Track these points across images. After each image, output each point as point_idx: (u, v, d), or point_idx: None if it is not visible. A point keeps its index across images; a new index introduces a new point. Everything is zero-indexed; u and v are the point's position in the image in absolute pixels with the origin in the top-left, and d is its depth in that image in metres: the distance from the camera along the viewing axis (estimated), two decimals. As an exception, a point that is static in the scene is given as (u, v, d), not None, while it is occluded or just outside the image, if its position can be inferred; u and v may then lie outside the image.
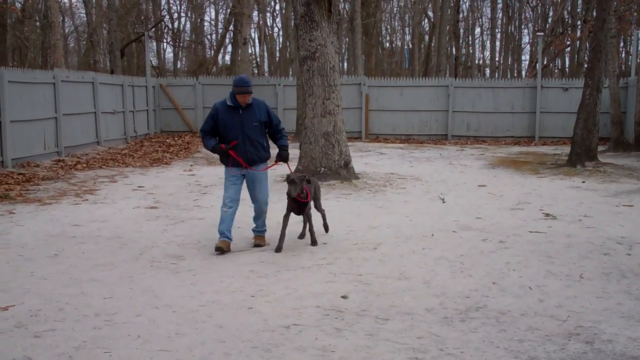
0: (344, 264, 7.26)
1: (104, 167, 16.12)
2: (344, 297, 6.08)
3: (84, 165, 16.08)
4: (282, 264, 7.25)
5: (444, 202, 11.42)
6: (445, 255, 7.69)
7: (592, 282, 6.64)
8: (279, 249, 7.77)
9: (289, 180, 7.87)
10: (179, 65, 50.49)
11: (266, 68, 53.85)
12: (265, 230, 8.22)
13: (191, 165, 16.20)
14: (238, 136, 7.71)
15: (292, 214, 8.08)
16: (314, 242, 8.10)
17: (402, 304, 5.91)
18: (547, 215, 10.18)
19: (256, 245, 8.05)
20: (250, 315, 5.59)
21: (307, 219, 8.20)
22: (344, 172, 13.41)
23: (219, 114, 7.74)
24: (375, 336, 5.10)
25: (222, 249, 7.62)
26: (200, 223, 9.38)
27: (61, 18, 41.01)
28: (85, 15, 40.59)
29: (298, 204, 7.96)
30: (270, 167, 8.21)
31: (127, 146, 20.85)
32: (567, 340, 5.05)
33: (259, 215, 8.10)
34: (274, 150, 8.05)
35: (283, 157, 8.07)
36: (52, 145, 16.78)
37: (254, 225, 8.20)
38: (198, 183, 13.27)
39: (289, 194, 7.85)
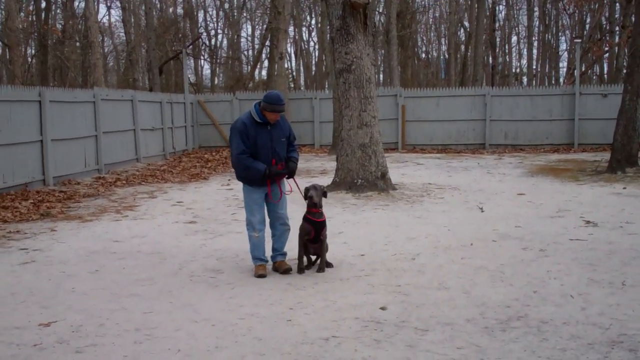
0: (382, 275, 7.22)
1: (143, 183, 16.30)
2: (382, 308, 6.04)
3: (124, 181, 16.28)
4: (319, 276, 7.23)
5: (482, 211, 11.31)
6: (484, 264, 7.61)
7: (635, 289, 6.51)
8: (302, 270, 7.38)
9: (310, 187, 7.45)
10: (216, 82, 50.95)
11: (302, 82, 54.06)
12: (286, 254, 7.63)
13: (229, 180, 16.27)
14: (268, 155, 7.19)
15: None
16: (320, 269, 7.42)
17: (441, 314, 5.85)
18: (588, 222, 10.01)
19: (285, 272, 7.35)
20: (290, 327, 5.57)
21: (321, 245, 7.44)
22: (381, 183, 13.36)
23: (248, 130, 7.11)
24: (415, 347, 5.05)
25: (264, 275, 7.22)
26: (238, 237, 9.40)
27: (100, 38, 41.70)
28: (124, 35, 41.21)
29: (315, 226, 7.33)
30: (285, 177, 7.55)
31: (165, 162, 21.07)
32: (610, 348, 4.94)
33: (282, 234, 7.53)
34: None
35: (290, 169, 7.38)
36: (93, 162, 17.02)
37: (274, 250, 7.59)
38: (236, 197, 13.33)
39: (311, 198, 7.35)
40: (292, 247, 7.74)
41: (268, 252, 7.59)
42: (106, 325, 5.72)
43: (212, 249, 8.78)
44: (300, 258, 7.44)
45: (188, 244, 9.09)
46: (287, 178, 7.51)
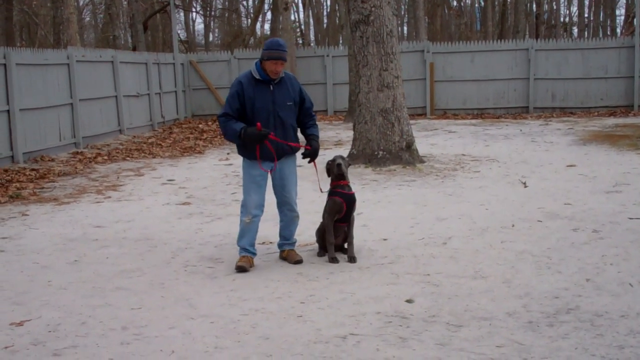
0: (408, 263, 7.26)
1: (128, 158, 16.39)
2: (409, 301, 6.09)
3: (106, 157, 16.37)
4: (335, 265, 7.28)
5: (526, 186, 11.32)
6: (528, 249, 7.63)
7: None
8: (334, 259, 7.39)
9: (336, 157, 7.48)
10: (211, 38, 50.98)
11: (312, 37, 53.93)
12: (296, 242, 7.67)
13: (228, 154, 16.31)
14: (269, 119, 7.03)
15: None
16: (352, 259, 7.42)
17: (478, 307, 5.88)
18: (651, 198, 10.01)
19: (296, 262, 7.34)
20: (301, 324, 5.63)
21: (350, 225, 7.55)
22: (406, 156, 13.37)
23: (245, 91, 7.00)
24: (447, 346, 5.09)
25: (244, 268, 7.12)
26: (239, 220, 9.45)
27: (74, -11, 41.66)
28: (101, -15, 41.21)
29: (348, 200, 7.42)
30: (300, 148, 7.37)
31: (154, 134, 21.16)
32: (676, 345, 4.97)
33: (291, 222, 7.47)
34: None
35: (314, 151, 7.28)
36: (69, 135, 17.11)
37: (281, 237, 7.59)
38: (236, 174, 13.36)
39: (339, 166, 7.34)
40: (300, 232, 7.77)
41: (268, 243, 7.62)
42: (88, 323, 5.78)
43: (209, 234, 8.84)
44: (331, 244, 7.43)
45: (181, 229, 9.15)
46: (307, 158, 7.35)
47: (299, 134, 7.35)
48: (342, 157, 7.53)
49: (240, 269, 7.10)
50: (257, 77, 7.04)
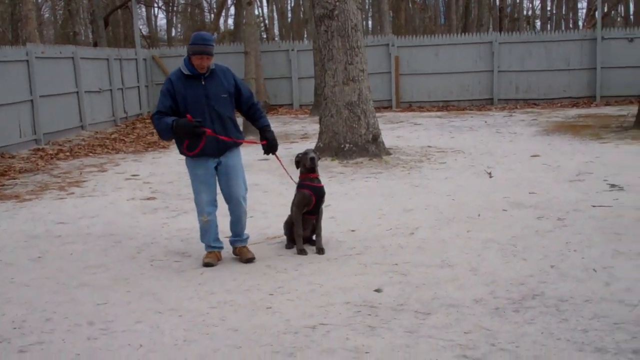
0: (376, 253, 7.30)
1: (90, 154, 16.26)
2: (377, 290, 6.12)
3: (68, 153, 16.24)
4: (303, 256, 7.29)
5: (491, 176, 11.42)
6: (494, 237, 7.70)
7: (669, 261, 6.63)
8: (303, 251, 7.41)
9: (307, 151, 7.54)
10: (173, 33, 50.70)
11: (276, 31, 53.85)
12: (248, 237, 7.48)
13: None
14: (204, 113, 6.84)
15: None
16: (320, 250, 7.43)
17: (445, 295, 5.94)
18: (613, 186, 10.14)
19: (247, 261, 7.17)
20: (270, 316, 5.64)
21: (319, 217, 7.58)
22: (372, 148, 13.42)
23: (175, 87, 6.82)
24: (415, 333, 5.13)
25: (211, 264, 7.09)
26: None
27: (33, -16, 41.22)
28: (60, -20, 40.82)
29: (317, 192, 7.45)
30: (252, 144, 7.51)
31: (116, 129, 21.01)
32: (639, 328, 5.05)
33: (239, 218, 7.28)
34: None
35: (272, 144, 7.23)
36: (29, 132, 16.92)
37: (232, 234, 7.40)
38: (201, 168, 13.33)
39: (312, 160, 7.38)
40: (268, 225, 7.74)
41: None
42: (53, 319, 5.75)
43: (175, 228, 8.81)
44: (299, 236, 7.44)
45: (146, 224, 9.12)
46: (268, 152, 7.32)
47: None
48: (313, 151, 7.57)
49: (208, 265, 7.06)
50: (187, 72, 6.85)
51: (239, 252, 7.33)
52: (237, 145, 7.16)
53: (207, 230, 7.19)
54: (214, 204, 7.18)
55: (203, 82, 6.88)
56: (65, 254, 7.84)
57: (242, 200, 7.21)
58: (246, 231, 7.44)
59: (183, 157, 7.20)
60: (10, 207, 10.44)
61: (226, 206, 7.30)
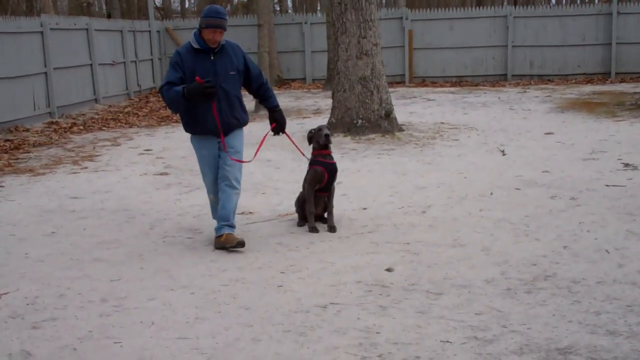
0: (387, 232, 7.30)
1: (104, 128, 16.29)
2: (388, 269, 6.13)
3: (81, 127, 16.27)
4: (315, 234, 7.31)
5: (504, 154, 11.38)
6: (507, 216, 7.69)
7: (682, 242, 6.61)
8: (314, 229, 7.39)
9: (321, 126, 7.53)
10: (187, 5, 50.47)
11: (290, 4, 53.55)
12: (236, 226, 7.09)
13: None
14: None
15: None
16: (332, 228, 7.42)
17: (457, 275, 5.94)
18: (627, 165, 10.09)
19: (236, 246, 6.77)
20: (281, 294, 5.66)
21: (331, 195, 7.57)
22: (385, 124, 13.37)
23: (184, 61, 6.66)
24: (426, 314, 5.15)
25: (242, 242, 6.77)
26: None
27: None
28: (74, -49, 40.66)
29: (329, 169, 7.47)
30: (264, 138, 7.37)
31: (130, 103, 21.02)
32: (653, 311, 5.05)
33: (229, 198, 6.92)
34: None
35: (280, 123, 7.17)
36: (43, 105, 16.94)
37: (219, 219, 7.00)
38: (214, 143, 13.34)
39: (327, 137, 7.39)
40: (280, 202, 7.73)
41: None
42: (67, 295, 5.78)
43: (187, 204, 8.84)
44: (311, 213, 7.43)
45: (159, 200, 9.14)
46: (277, 133, 7.26)
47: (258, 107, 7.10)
48: (327, 127, 7.55)
49: (240, 244, 6.74)
50: (196, 46, 6.70)
51: (224, 240, 6.85)
52: (240, 125, 7.01)
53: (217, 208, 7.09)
54: (217, 184, 7.05)
55: (212, 58, 6.73)
56: (79, 229, 7.87)
57: (234, 181, 6.94)
58: (255, 209, 7.37)
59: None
60: (25, 181, 10.47)
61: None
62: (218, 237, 6.93)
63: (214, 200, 7.13)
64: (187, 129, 7.09)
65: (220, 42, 6.78)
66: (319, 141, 7.46)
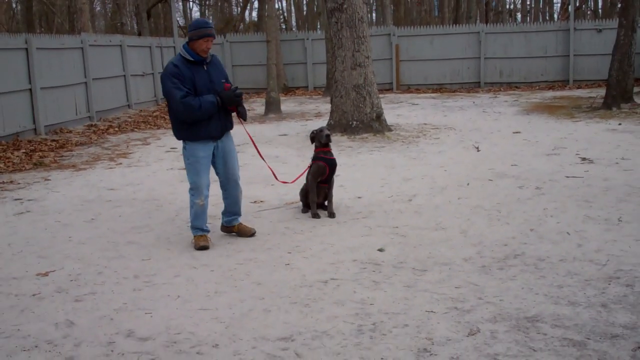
0: (379, 217, 7.26)
1: (136, 130, 16.23)
2: (380, 250, 6.09)
3: (116, 129, 16.21)
4: (317, 220, 7.26)
5: (478, 150, 11.32)
6: (481, 204, 7.64)
7: (631, 225, 6.56)
8: (316, 215, 7.33)
9: (320, 129, 7.49)
10: (205, 24, 50.24)
11: (294, 22, 53.42)
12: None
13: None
14: None
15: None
16: (331, 214, 7.36)
17: (439, 254, 5.90)
18: (584, 159, 10.04)
19: (252, 236, 6.70)
20: (288, 271, 5.62)
21: (331, 186, 7.47)
22: (376, 125, 13.32)
23: (183, 73, 6.08)
24: (413, 287, 5.11)
25: (207, 246, 6.37)
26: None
27: (86, -18, 40.92)
28: (109, -22, 40.53)
29: (330, 164, 7.43)
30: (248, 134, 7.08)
31: (157, 108, 20.95)
32: (607, 284, 5.00)
33: (237, 198, 6.69)
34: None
35: (241, 112, 6.48)
36: (84, 110, 16.88)
37: (229, 214, 6.77)
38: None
39: (328, 136, 7.36)
40: (286, 192, 7.69)
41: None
42: (104, 273, 5.75)
43: (207, 194, 8.77)
44: (314, 202, 7.39)
45: (183, 191, 9.02)
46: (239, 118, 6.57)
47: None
48: (327, 128, 7.60)
49: (203, 248, 6.33)
50: (190, 58, 6.13)
51: (241, 229, 6.75)
52: (231, 128, 6.51)
53: (201, 214, 6.40)
54: (208, 187, 6.45)
55: (205, 68, 6.23)
56: (115, 216, 7.83)
57: (238, 179, 6.65)
58: (265, 198, 7.31)
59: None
60: (68, 176, 10.43)
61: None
62: (230, 227, 6.77)
63: (202, 205, 6.37)
64: (186, 136, 6.34)
65: (210, 53, 6.30)
66: (320, 140, 7.45)
